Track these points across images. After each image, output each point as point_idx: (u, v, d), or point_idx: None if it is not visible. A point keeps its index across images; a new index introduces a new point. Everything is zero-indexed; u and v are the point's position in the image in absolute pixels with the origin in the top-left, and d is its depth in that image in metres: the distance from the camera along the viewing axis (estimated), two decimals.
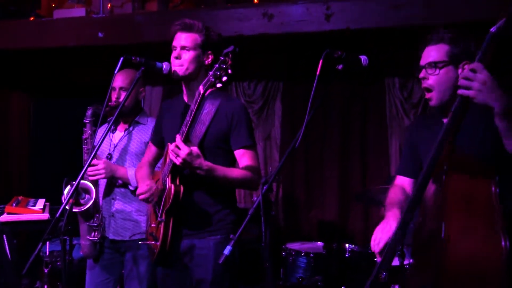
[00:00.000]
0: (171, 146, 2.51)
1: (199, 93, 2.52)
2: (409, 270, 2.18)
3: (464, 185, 1.90)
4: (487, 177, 1.88)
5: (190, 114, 2.56)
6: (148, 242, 2.86)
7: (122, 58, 2.62)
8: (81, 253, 3.51)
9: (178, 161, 2.48)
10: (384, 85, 5.33)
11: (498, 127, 1.90)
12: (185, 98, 2.86)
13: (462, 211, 1.87)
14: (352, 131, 5.51)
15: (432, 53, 2.27)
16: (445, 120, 2.12)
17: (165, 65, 2.77)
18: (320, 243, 4.51)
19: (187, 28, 2.75)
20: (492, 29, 1.88)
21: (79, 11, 5.25)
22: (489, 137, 2.06)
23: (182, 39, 2.75)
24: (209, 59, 2.78)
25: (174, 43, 2.77)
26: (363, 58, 2.42)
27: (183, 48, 2.73)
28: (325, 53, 2.30)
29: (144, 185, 2.78)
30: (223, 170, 2.62)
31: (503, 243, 1.77)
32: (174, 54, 2.75)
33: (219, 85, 2.42)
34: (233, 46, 2.41)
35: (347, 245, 4.05)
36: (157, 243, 2.69)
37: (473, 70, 1.86)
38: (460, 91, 1.89)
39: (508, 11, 1.85)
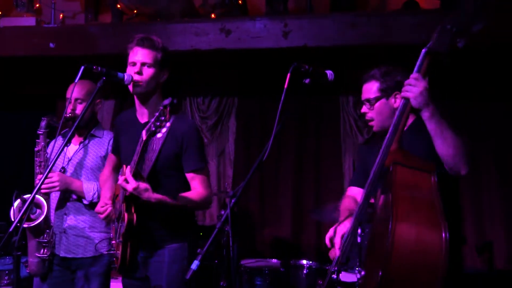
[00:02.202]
0: (120, 179, 2.57)
1: (142, 139, 2.57)
2: (361, 280, 2.28)
3: (408, 175, 2.13)
4: (427, 170, 2.14)
5: (140, 144, 2.60)
6: (112, 252, 2.89)
7: (82, 68, 2.55)
8: (27, 271, 3.34)
9: (126, 193, 2.58)
10: (339, 103, 5.41)
11: (429, 130, 2.25)
12: (139, 117, 2.86)
13: (407, 198, 2.08)
14: (307, 147, 5.54)
15: (367, 90, 2.64)
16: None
17: (126, 76, 2.71)
18: (275, 260, 4.48)
19: (149, 45, 2.75)
20: (424, 49, 2.24)
21: (28, 20, 5.09)
22: (426, 153, 2.31)
23: (143, 55, 2.74)
24: (164, 77, 2.81)
25: (134, 59, 2.74)
26: (329, 72, 2.48)
27: (143, 64, 2.73)
28: (293, 67, 2.33)
29: (102, 204, 2.83)
30: (171, 201, 2.66)
31: (443, 234, 1.97)
32: (135, 69, 2.72)
33: (159, 135, 2.50)
34: (171, 98, 2.49)
35: (304, 261, 4.04)
36: (118, 258, 2.76)
37: (415, 78, 2.22)
38: (403, 93, 2.24)
39: (436, 32, 2.22)
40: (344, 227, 2.45)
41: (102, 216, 2.79)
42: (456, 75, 4.68)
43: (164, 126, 2.47)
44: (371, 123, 2.65)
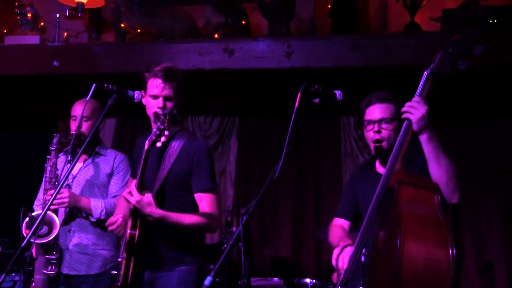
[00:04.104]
0: (124, 192, 2.59)
1: (144, 149, 2.60)
2: None
3: (413, 194, 2.19)
4: (431, 190, 2.21)
5: (143, 156, 2.62)
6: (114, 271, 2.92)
7: (94, 85, 2.58)
8: None
9: (130, 205, 2.57)
10: (340, 123, 5.45)
11: (425, 153, 2.32)
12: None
13: (414, 216, 2.12)
14: (307, 168, 5.55)
15: (384, 110, 2.64)
16: (378, 169, 2.69)
17: (136, 94, 2.75)
18: (276, 279, 4.48)
19: (170, 78, 2.76)
20: (427, 71, 2.35)
21: (32, 39, 5.12)
22: (426, 168, 2.36)
23: (165, 88, 2.75)
24: (181, 101, 2.84)
25: (156, 92, 2.75)
26: (338, 93, 2.51)
27: (167, 98, 2.74)
28: (303, 87, 2.35)
29: (113, 217, 2.78)
30: (176, 218, 2.63)
31: (450, 250, 2.01)
32: (158, 103, 2.73)
33: (158, 144, 2.55)
34: (170, 109, 2.60)
35: (308, 280, 4.04)
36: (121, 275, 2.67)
37: (417, 102, 2.31)
38: (405, 115, 2.33)
39: (438, 55, 2.32)
40: (347, 250, 2.46)
41: (113, 227, 2.73)
42: (450, 93, 4.73)
43: (163, 135, 2.51)
44: (384, 143, 2.61)
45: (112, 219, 2.76)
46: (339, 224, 2.81)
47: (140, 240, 2.61)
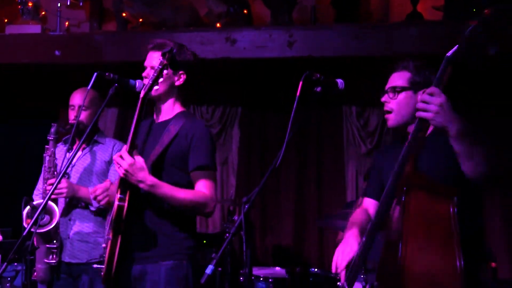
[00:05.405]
0: (115, 156, 2.41)
1: (140, 97, 2.48)
2: None
3: (423, 204, 1.95)
4: (446, 197, 1.93)
5: (138, 108, 2.47)
6: (101, 266, 2.60)
7: (95, 74, 2.57)
8: (33, 278, 3.33)
9: (121, 171, 2.38)
10: (342, 113, 5.44)
11: (454, 150, 1.97)
12: (155, 117, 2.76)
13: (420, 231, 1.92)
14: (309, 157, 5.56)
15: (395, 79, 2.41)
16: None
17: (138, 83, 2.71)
18: (278, 268, 4.49)
19: (158, 48, 2.66)
20: (448, 54, 2.00)
21: (34, 28, 5.11)
22: (450, 163, 2.09)
23: (152, 58, 2.68)
24: (181, 79, 2.69)
25: (145, 63, 2.71)
26: (340, 81, 2.44)
27: (152, 68, 2.61)
28: (305, 75, 2.30)
29: (102, 185, 2.60)
30: (170, 189, 2.46)
31: (458, 263, 1.83)
32: (143, 73, 2.67)
33: (156, 87, 2.44)
34: (171, 46, 2.46)
35: (310, 269, 4.04)
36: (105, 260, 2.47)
37: (430, 94, 1.93)
38: (418, 114, 1.97)
39: (463, 36, 1.95)
40: (350, 252, 2.28)
41: (98, 191, 2.55)
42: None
43: (161, 76, 2.44)
44: (387, 116, 2.41)
45: (97, 186, 2.60)
46: (365, 206, 2.58)
47: (128, 215, 2.40)
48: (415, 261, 1.87)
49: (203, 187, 2.54)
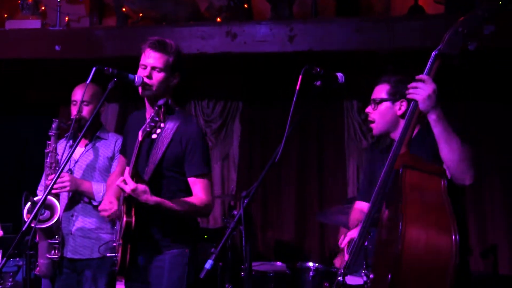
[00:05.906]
0: (119, 180, 2.53)
1: (138, 140, 2.56)
2: (369, 283, 2.32)
3: (418, 178, 2.15)
4: (437, 174, 2.16)
5: (136, 146, 2.57)
6: (114, 255, 2.81)
7: (94, 69, 2.54)
8: (36, 273, 3.34)
9: (125, 194, 2.54)
10: (343, 107, 5.43)
11: (434, 133, 2.24)
12: (147, 116, 2.77)
13: (417, 201, 2.09)
14: (310, 152, 5.55)
15: (376, 91, 2.66)
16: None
17: (137, 78, 2.70)
18: (279, 263, 4.48)
19: (161, 48, 2.68)
20: (436, 50, 2.26)
21: (34, 23, 5.10)
22: (430, 154, 2.35)
23: (154, 58, 2.68)
24: (175, 80, 2.75)
25: (145, 61, 2.69)
26: (340, 75, 2.46)
27: (154, 68, 2.67)
28: (304, 69, 2.31)
29: (107, 202, 2.75)
30: (171, 205, 2.61)
31: (453, 237, 1.98)
32: (145, 72, 2.67)
33: (154, 136, 2.53)
34: (165, 99, 2.49)
35: (311, 264, 4.03)
36: (118, 260, 2.68)
37: (421, 80, 2.23)
38: (409, 95, 2.26)
39: (453, 27, 2.23)
40: (353, 232, 2.49)
41: (107, 213, 2.72)
42: (459, 75, 4.69)
43: (158, 127, 2.46)
44: (372, 125, 2.66)
45: (105, 205, 2.74)
46: (359, 208, 2.79)
47: (136, 227, 2.59)
48: (414, 235, 2.00)
49: (199, 192, 2.70)
